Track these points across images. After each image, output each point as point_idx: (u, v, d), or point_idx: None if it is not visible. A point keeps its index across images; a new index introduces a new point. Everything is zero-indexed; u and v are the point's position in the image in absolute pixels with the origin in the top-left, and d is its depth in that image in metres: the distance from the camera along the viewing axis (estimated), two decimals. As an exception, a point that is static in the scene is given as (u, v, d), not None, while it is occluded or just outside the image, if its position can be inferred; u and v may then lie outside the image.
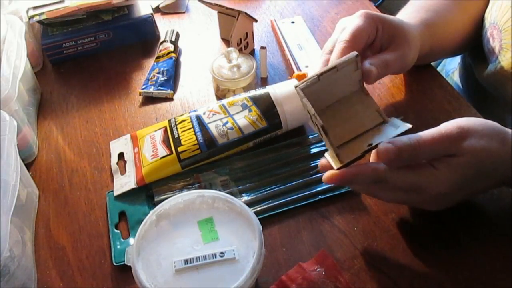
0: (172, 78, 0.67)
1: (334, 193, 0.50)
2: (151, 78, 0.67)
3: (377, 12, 0.50)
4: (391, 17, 0.51)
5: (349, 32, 0.47)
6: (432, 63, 0.66)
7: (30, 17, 0.70)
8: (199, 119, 0.55)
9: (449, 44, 0.61)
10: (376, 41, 0.50)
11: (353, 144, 0.42)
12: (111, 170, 0.56)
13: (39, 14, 0.70)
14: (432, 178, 0.40)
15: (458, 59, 0.76)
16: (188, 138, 0.54)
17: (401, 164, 0.40)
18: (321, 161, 0.42)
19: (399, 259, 0.45)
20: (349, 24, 0.48)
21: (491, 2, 0.59)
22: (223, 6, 0.68)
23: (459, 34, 0.61)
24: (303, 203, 0.50)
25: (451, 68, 0.79)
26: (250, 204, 0.49)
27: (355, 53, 0.41)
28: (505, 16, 0.55)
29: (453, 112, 0.58)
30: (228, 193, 0.45)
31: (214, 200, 0.43)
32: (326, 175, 0.41)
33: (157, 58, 0.70)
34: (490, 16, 0.58)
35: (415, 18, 0.56)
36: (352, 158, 0.40)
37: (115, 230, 0.49)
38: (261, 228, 0.40)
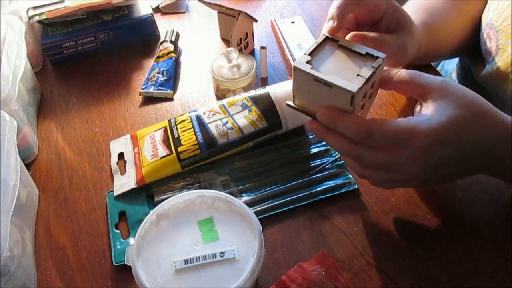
0: (172, 78, 0.67)
1: (334, 193, 0.50)
2: (151, 78, 0.67)
3: None
4: (401, 7, 0.50)
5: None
6: (432, 63, 0.66)
7: (30, 17, 0.70)
8: (199, 119, 0.55)
9: (447, 47, 0.61)
10: (382, 21, 0.48)
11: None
12: (111, 170, 0.56)
13: (39, 14, 0.70)
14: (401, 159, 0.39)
15: (456, 59, 0.76)
16: (188, 138, 0.54)
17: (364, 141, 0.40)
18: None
19: (399, 259, 0.45)
20: None
21: (488, 3, 0.59)
22: (223, 6, 0.68)
23: (457, 38, 0.61)
24: (303, 203, 0.50)
25: (450, 68, 0.79)
26: (250, 204, 0.49)
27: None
28: (502, 17, 0.55)
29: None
30: (228, 193, 0.45)
31: (214, 200, 0.43)
32: (309, 122, 0.43)
33: (157, 58, 0.70)
34: (487, 17, 0.58)
35: (415, 20, 0.56)
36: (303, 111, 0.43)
37: (115, 230, 0.49)
38: (261, 228, 0.40)
